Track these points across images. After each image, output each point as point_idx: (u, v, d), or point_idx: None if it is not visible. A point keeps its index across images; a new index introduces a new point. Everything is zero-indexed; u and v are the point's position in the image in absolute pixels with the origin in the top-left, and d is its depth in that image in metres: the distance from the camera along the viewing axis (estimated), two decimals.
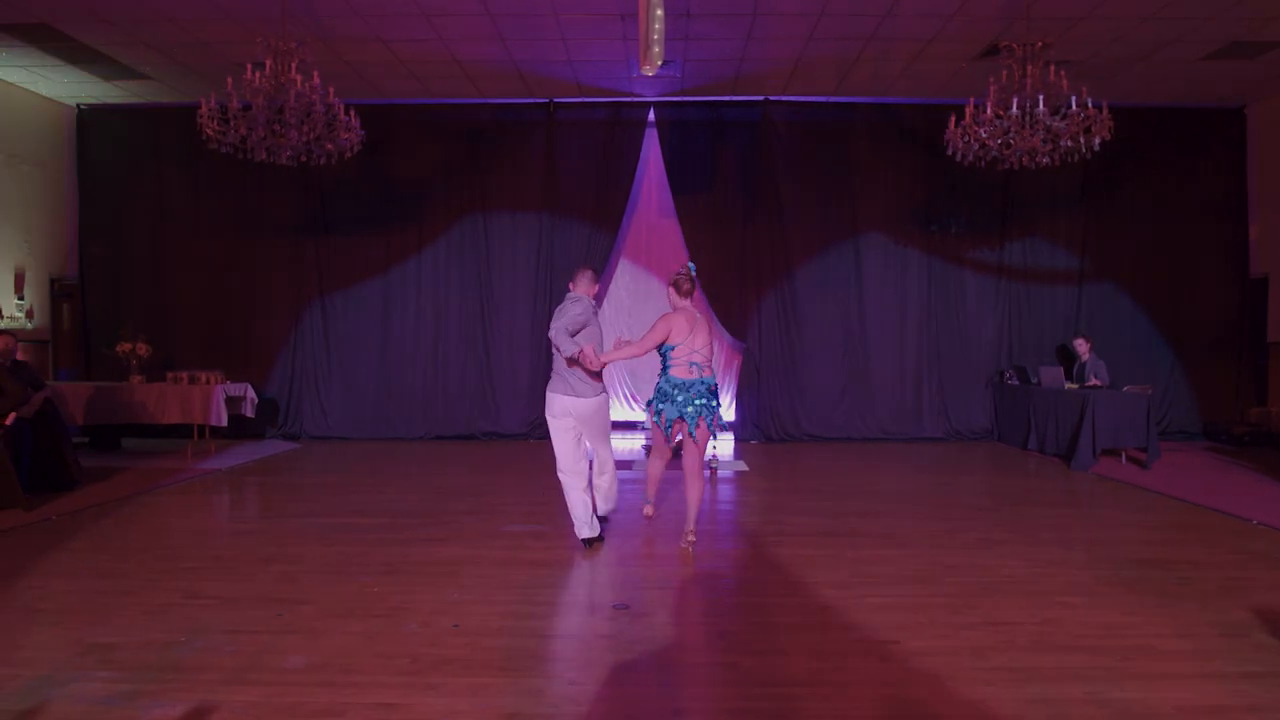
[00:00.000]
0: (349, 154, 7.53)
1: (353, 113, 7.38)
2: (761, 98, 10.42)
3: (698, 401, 5.06)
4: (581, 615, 3.96)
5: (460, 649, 3.52)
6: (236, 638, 3.66)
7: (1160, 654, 3.51)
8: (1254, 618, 3.94)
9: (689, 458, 5.23)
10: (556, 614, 3.98)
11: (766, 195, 10.54)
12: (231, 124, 7.06)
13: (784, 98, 10.43)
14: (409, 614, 3.97)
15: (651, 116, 10.54)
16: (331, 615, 3.96)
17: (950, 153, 7.68)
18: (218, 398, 8.83)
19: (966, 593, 4.35)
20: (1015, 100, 7.03)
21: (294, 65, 6.92)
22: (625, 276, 11.23)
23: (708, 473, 8.00)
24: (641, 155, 10.59)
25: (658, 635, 3.72)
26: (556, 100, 10.48)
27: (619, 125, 10.53)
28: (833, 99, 10.42)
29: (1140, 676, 3.27)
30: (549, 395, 5.24)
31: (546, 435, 10.64)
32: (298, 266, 10.69)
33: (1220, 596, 4.28)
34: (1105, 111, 7.11)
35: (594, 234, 10.52)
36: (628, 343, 5.24)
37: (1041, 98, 6.96)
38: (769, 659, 3.46)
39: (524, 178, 10.65)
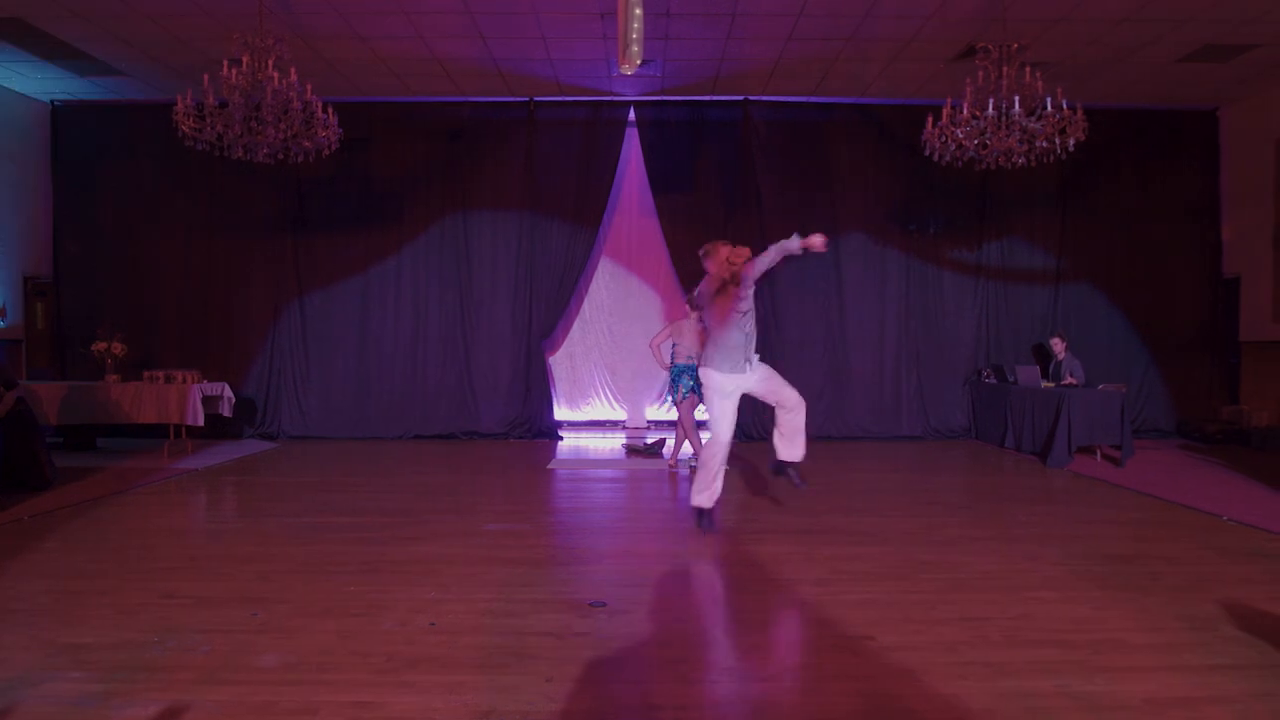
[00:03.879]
0: (327, 152, 7.49)
1: (330, 110, 7.34)
2: (742, 97, 10.45)
3: (695, 380, 7.64)
4: (558, 613, 3.96)
5: (436, 647, 3.52)
6: (211, 637, 3.64)
7: (1130, 647, 3.56)
8: (1222, 611, 4.00)
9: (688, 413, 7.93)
10: (533, 612, 3.97)
11: (747, 194, 10.58)
12: (208, 121, 7.01)
13: (764, 97, 10.47)
14: (386, 612, 3.96)
15: (632, 116, 10.55)
16: (307, 614, 3.95)
17: (928, 153, 7.74)
18: (194, 397, 8.77)
19: (941, 589, 4.39)
20: (991, 101, 7.10)
21: (271, 62, 6.87)
22: (606, 275, 11.23)
23: (686, 471, 8.12)
24: (622, 154, 10.60)
25: (634, 632, 3.73)
26: (537, 99, 10.47)
27: (600, 124, 10.54)
28: (813, 99, 10.47)
29: (1110, 669, 3.31)
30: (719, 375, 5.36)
31: (526, 435, 10.69)
32: (276, 265, 10.62)
33: (1189, 591, 4.34)
34: (1080, 113, 7.20)
35: (575, 233, 10.53)
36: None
37: (1017, 99, 7.03)
38: (745, 655, 3.48)
39: (505, 176, 10.63)
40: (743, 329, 5.36)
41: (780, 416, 5.59)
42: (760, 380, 5.48)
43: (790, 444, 5.60)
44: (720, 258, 5.50)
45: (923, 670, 3.28)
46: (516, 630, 3.72)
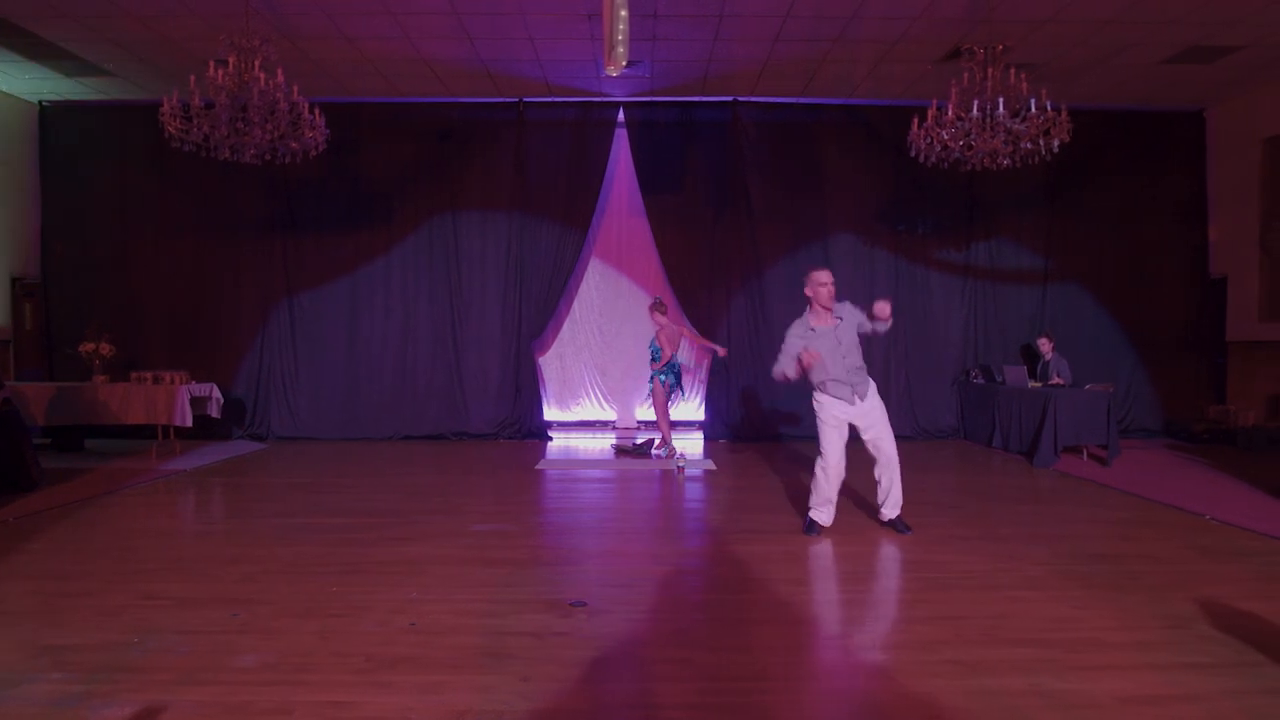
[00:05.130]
0: (314, 153, 7.48)
1: (317, 111, 7.33)
2: (730, 98, 10.47)
3: (673, 373, 9.10)
4: (539, 613, 3.97)
5: (415, 647, 3.53)
6: (191, 638, 3.65)
7: (1106, 646, 3.59)
8: (1198, 610, 4.03)
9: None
10: (514, 612, 3.99)
11: (736, 195, 10.60)
12: (194, 122, 7.00)
13: (753, 98, 10.49)
14: (367, 613, 3.98)
15: (621, 116, 10.56)
16: (288, 615, 3.95)
17: (914, 154, 7.76)
18: (182, 398, 8.76)
19: (922, 588, 4.42)
20: (976, 103, 7.13)
21: (258, 63, 6.87)
22: (596, 276, 11.24)
23: (676, 469, 8.16)
24: (611, 155, 10.61)
25: (614, 632, 3.75)
26: (526, 100, 10.47)
27: (589, 125, 10.55)
28: (801, 100, 10.50)
29: (1084, 668, 3.34)
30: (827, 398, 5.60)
31: (516, 435, 10.70)
32: (265, 266, 10.61)
33: (1169, 590, 4.37)
34: (1064, 114, 7.23)
35: (564, 233, 10.54)
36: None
37: (1001, 100, 7.05)
38: (723, 654, 3.50)
39: (494, 177, 10.64)
40: (845, 361, 5.49)
41: (877, 472, 5.75)
42: (867, 418, 5.59)
43: (892, 503, 5.74)
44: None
45: (897, 669, 3.31)
46: (496, 630, 3.74)
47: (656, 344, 8.99)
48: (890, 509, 5.73)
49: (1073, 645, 3.58)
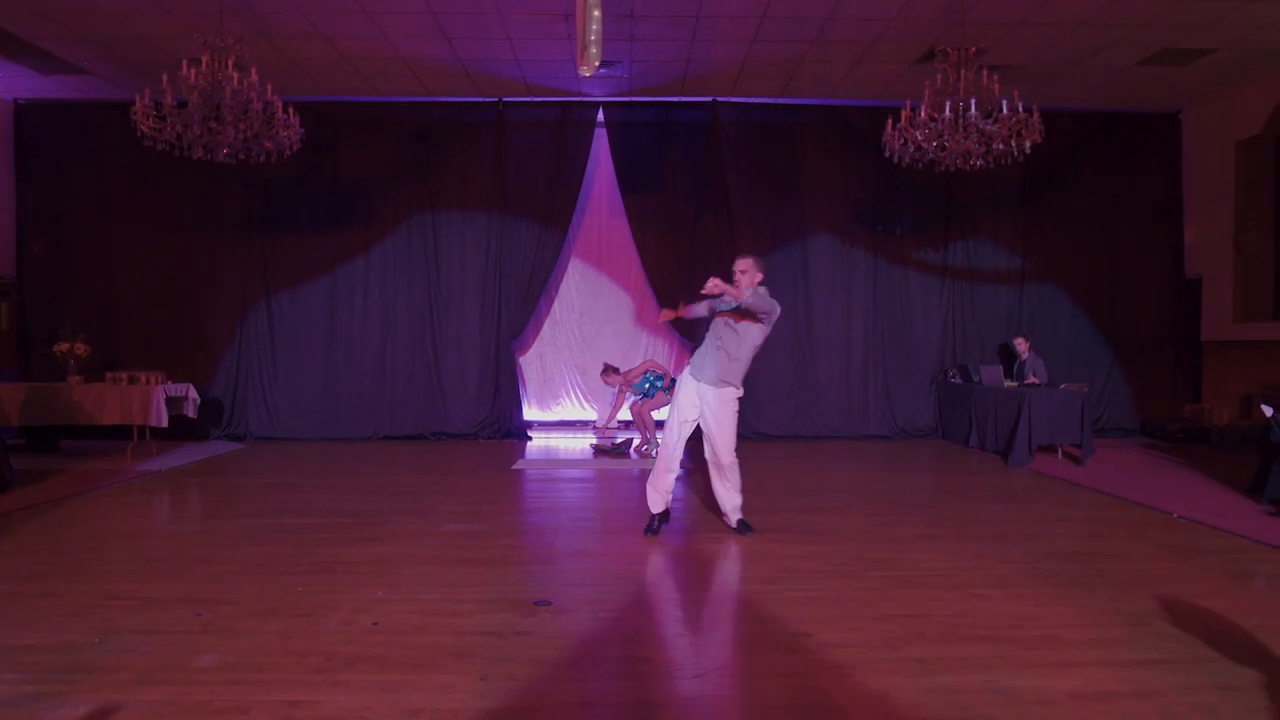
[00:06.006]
0: (288, 152, 7.47)
1: (291, 110, 7.31)
2: (710, 99, 10.49)
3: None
4: (503, 612, 3.97)
5: (376, 646, 3.53)
6: (152, 638, 3.63)
7: (1064, 643, 3.62)
8: (1158, 607, 4.07)
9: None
10: (478, 611, 3.98)
11: (715, 195, 10.62)
12: (168, 121, 6.97)
13: (732, 99, 10.51)
14: (331, 613, 3.97)
15: (601, 116, 10.57)
16: (251, 615, 3.94)
17: (888, 155, 7.80)
18: (158, 398, 8.70)
19: (887, 586, 4.44)
20: (948, 104, 7.16)
21: (231, 62, 6.85)
22: (576, 275, 11.24)
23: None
24: (591, 155, 10.61)
25: (576, 630, 3.75)
26: (505, 99, 10.46)
27: (568, 125, 10.55)
28: (781, 100, 10.53)
29: (1041, 665, 3.36)
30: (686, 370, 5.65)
31: (495, 435, 10.68)
32: (243, 265, 10.56)
33: (1132, 588, 4.41)
34: (1036, 115, 7.27)
35: (544, 233, 10.54)
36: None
37: (973, 101, 7.09)
38: (683, 653, 3.51)
39: (474, 176, 10.62)
40: (716, 337, 5.39)
41: (711, 474, 5.63)
42: (709, 409, 5.39)
43: (732, 509, 5.65)
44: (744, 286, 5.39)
45: (855, 666, 3.32)
46: (458, 630, 3.73)
47: (651, 375, 9.20)
48: (733, 515, 5.66)
49: (1030, 643, 3.61)
